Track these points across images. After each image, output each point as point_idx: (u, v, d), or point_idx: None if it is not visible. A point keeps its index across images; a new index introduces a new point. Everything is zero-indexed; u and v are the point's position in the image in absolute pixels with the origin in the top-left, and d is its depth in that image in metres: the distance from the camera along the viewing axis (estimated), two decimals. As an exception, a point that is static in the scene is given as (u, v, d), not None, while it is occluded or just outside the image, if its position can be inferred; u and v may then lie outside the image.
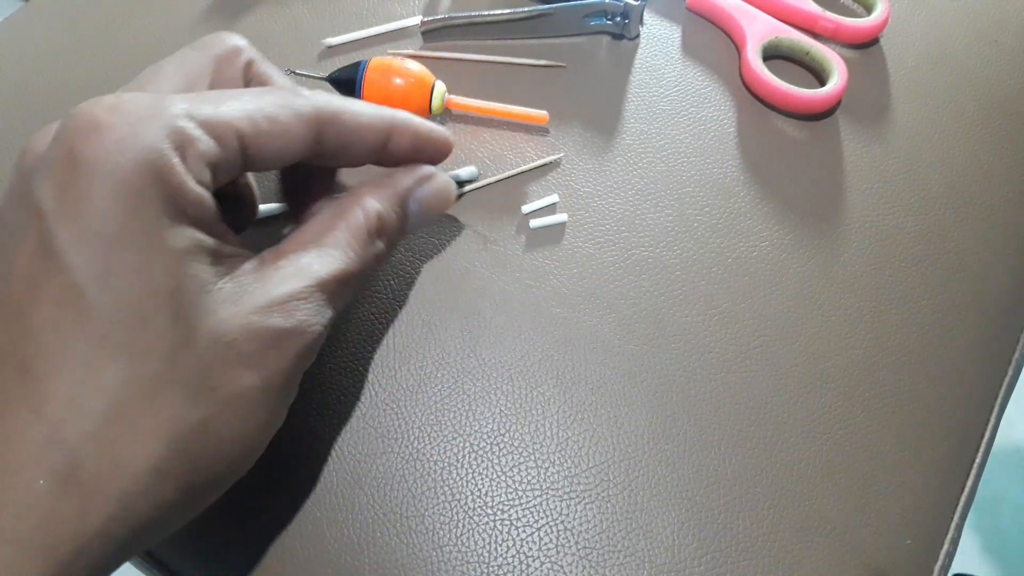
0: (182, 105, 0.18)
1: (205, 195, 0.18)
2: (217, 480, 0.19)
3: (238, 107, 0.19)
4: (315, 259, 0.20)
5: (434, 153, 0.25)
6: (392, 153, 0.24)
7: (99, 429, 0.16)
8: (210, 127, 0.18)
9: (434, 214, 0.25)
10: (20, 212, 0.17)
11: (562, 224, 0.32)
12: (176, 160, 0.17)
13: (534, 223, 0.30)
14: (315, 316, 0.20)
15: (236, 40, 0.22)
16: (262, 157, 0.20)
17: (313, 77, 0.35)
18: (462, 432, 0.27)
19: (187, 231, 0.17)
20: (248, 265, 0.19)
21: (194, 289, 0.17)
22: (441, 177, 0.25)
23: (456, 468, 0.26)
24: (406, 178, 0.24)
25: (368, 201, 0.22)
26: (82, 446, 0.16)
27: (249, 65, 0.22)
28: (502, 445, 0.27)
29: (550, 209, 0.32)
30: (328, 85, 0.34)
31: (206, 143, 0.18)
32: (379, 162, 0.24)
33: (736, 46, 0.39)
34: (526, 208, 0.32)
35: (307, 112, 0.20)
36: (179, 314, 0.17)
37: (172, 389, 0.17)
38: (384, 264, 0.23)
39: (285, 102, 0.20)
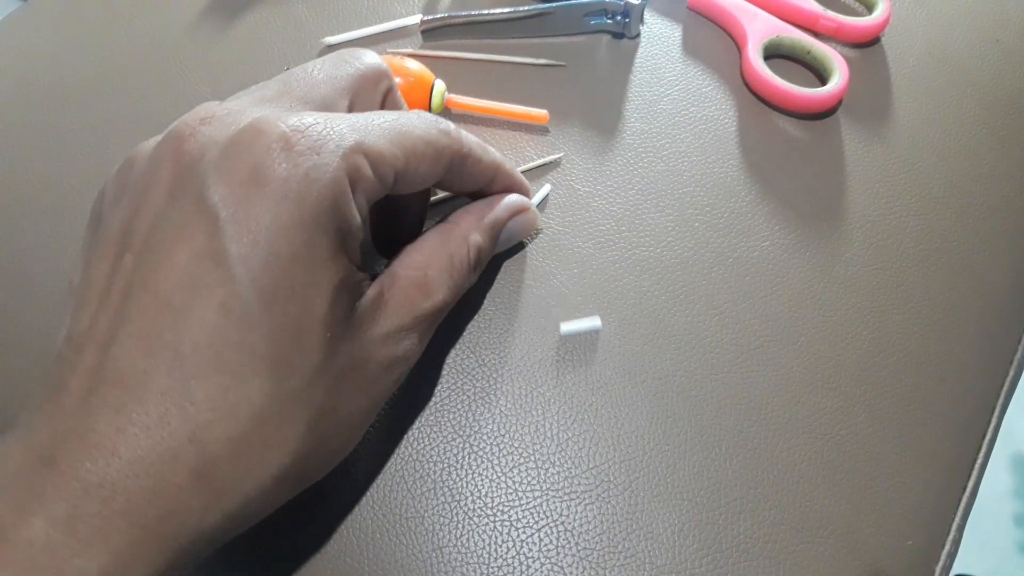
0: (355, 136, 0.18)
1: (362, 226, 0.19)
2: (303, 487, 0.20)
3: (398, 143, 0.20)
4: (423, 292, 0.21)
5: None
6: (487, 192, 0.26)
7: (239, 436, 0.17)
8: (376, 164, 0.19)
9: (516, 241, 0.27)
10: (184, 203, 0.17)
11: (596, 331, 0.29)
12: (351, 196, 0.18)
13: (565, 329, 0.28)
14: (417, 345, 0.21)
15: (382, 63, 0.23)
16: (402, 188, 0.21)
17: (313, 76, 0.35)
18: (462, 432, 0.27)
19: (344, 261, 0.18)
20: (371, 292, 0.20)
21: (340, 317, 0.18)
22: (534, 210, 0.27)
23: (456, 469, 0.26)
24: (504, 211, 0.25)
25: (473, 236, 0.24)
26: (221, 449, 0.16)
27: (388, 92, 0.23)
28: (502, 446, 0.27)
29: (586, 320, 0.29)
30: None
31: (372, 181, 0.19)
32: (471, 195, 0.26)
33: (737, 45, 0.39)
34: (526, 208, 0.32)
35: (447, 153, 0.22)
36: (325, 339, 0.18)
37: (306, 408, 0.18)
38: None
39: (433, 139, 0.21)
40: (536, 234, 0.31)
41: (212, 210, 0.17)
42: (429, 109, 0.33)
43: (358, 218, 0.19)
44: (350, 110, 0.21)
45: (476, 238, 0.24)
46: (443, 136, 0.21)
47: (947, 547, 0.27)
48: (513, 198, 0.26)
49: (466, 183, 0.24)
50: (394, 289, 0.21)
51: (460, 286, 0.23)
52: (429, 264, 0.22)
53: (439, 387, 0.28)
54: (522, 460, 0.27)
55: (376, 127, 0.19)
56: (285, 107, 0.20)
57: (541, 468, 0.26)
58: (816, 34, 0.39)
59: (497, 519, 0.25)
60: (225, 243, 0.16)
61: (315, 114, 0.19)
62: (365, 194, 0.19)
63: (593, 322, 0.27)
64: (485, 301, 0.30)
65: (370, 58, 0.23)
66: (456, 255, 0.23)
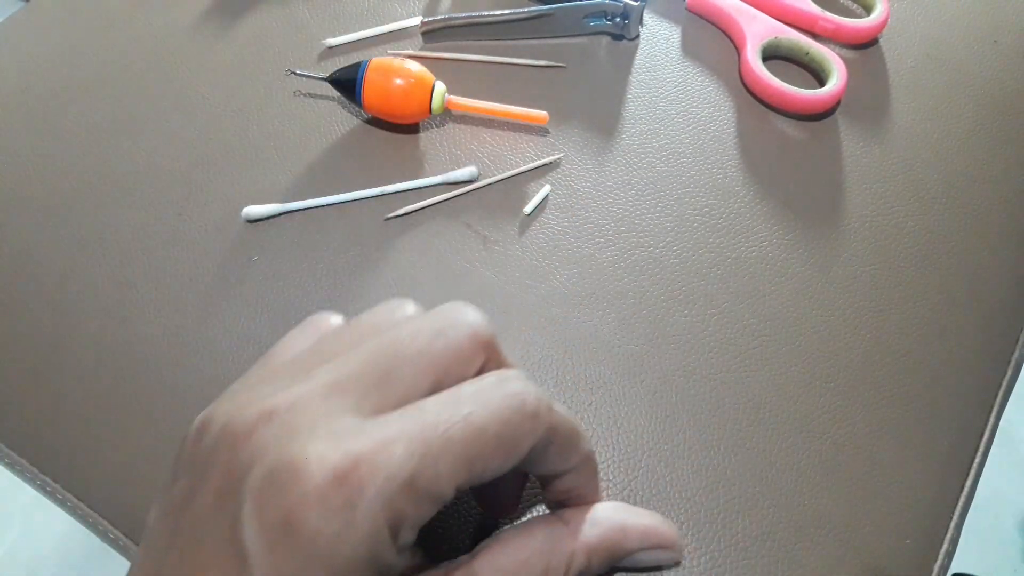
0: (409, 467, 0.16)
1: (408, 561, 0.17)
2: None
3: (463, 454, 0.17)
4: None
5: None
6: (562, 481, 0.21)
7: None
8: (430, 488, 0.16)
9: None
10: (223, 521, 0.16)
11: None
12: (391, 542, 0.16)
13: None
14: None
15: (486, 330, 0.19)
16: (469, 486, 0.18)
17: (313, 77, 0.35)
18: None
19: None
20: None
21: None
22: (679, 547, 0.22)
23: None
24: (637, 541, 0.21)
25: (579, 558, 0.19)
26: None
27: (486, 364, 0.19)
28: (502, 445, 0.27)
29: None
30: (328, 85, 0.35)
31: (419, 514, 0.17)
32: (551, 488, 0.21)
33: (736, 46, 0.39)
34: (526, 208, 0.32)
35: (526, 442, 0.18)
36: None
37: None
38: None
39: (512, 430, 0.17)
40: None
41: (242, 545, 0.16)
42: (430, 110, 0.33)
43: (400, 560, 0.17)
44: (433, 390, 0.18)
45: (581, 560, 0.19)
46: (526, 421, 0.17)
47: (945, 546, 0.27)
48: (657, 527, 0.21)
49: (545, 467, 0.20)
50: None
51: None
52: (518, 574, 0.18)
53: (439, 387, 0.28)
54: (522, 459, 0.27)
55: (442, 438, 0.16)
56: (352, 405, 0.17)
57: (541, 467, 0.26)
58: (814, 35, 0.39)
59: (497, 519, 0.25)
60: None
61: (372, 435, 0.16)
62: (415, 525, 0.17)
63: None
64: (484, 301, 0.30)
65: (472, 325, 0.19)
66: (553, 572, 0.19)
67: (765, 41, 0.38)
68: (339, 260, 0.31)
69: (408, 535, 0.17)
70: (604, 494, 0.26)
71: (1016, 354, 0.32)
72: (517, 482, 0.23)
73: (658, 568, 0.22)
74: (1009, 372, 0.32)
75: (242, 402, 0.18)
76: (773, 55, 0.39)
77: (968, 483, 0.28)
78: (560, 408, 0.19)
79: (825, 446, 0.27)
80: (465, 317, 0.19)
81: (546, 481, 0.21)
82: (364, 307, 0.30)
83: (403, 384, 0.18)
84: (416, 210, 0.32)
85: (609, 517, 0.21)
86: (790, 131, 0.36)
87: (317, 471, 0.16)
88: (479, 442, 0.17)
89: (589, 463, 0.20)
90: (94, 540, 0.28)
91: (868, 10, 0.40)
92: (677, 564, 0.22)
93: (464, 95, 0.35)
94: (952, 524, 0.27)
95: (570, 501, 0.21)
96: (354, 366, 0.18)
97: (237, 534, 0.16)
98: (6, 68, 0.38)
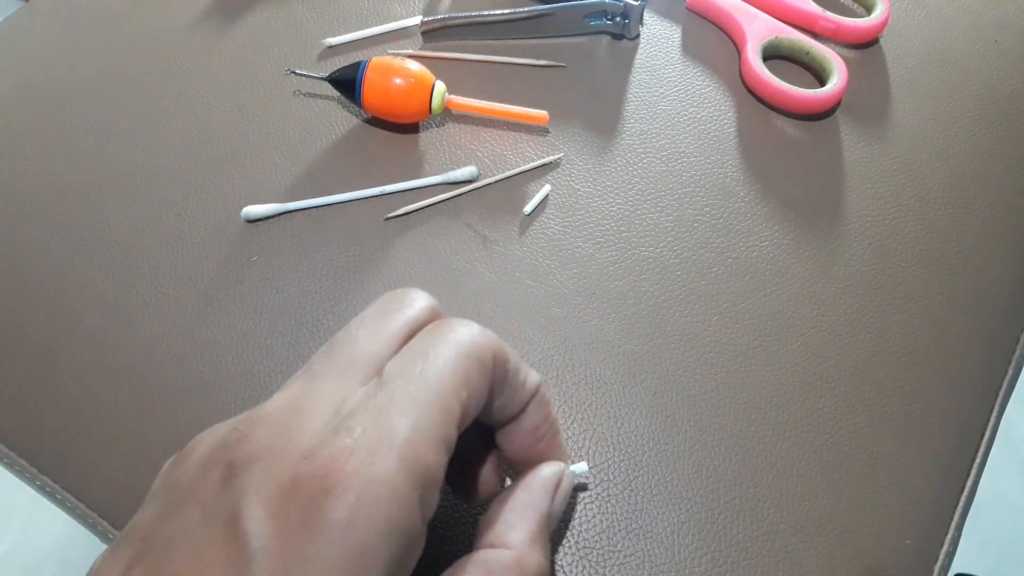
0: (408, 422, 0.16)
1: (419, 539, 0.17)
2: None
3: (446, 406, 0.17)
4: None
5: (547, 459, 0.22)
6: (521, 425, 0.21)
7: None
8: (436, 438, 0.17)
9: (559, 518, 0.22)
10: (215, 524, 0.15)
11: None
12: (415, 502, 0.16)
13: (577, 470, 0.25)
14: None
15: (427, 305, 0.20)
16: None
17: (313, 77, 0.35)
18: (462, 432, 0.27)
19: None
20: None
21: None
22: (567, 480, 0.22)
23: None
24: (543, 497, 0.21)
25: (529, 557, 0.19)
26: None
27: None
28: (502, 445, 0.27)
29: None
30: (328, 85, 0.34)
31: (434, 464, 0.17)
32: (504, 436, 0.22)
33: (736, 46, 0.39)
34: (526, 208, 0.32)
35: (490, 365, 0.19)
36: None
37: None
38: None
39: (475, 363, 0.18)
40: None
41: (247, 539, 0.15)
42: (430, 110, 0.33)
43: (418, 528, 0.16)
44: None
45: (534, 556, 0.19)
46: (482, 337, 0.19)
47: (946, 546, 0.27)
48: (543, 470, 0.21)
49: (506, 409, 0.21)
50: None
51: None
52: None
53: (439, 387, 0.28)
54: (522, 459, 0.27)
55: (427, 391, 0.17)
56: (333, 380, 0.18)
57: (541, 467, 0.26)
58: (815, 35, 0.39)
59: (497, 518, 0.25)
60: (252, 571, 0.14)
61: (361, 416, 0.16)
62: (431, 483, 0.17)
63: (581, 467, 0.24)
64: (484, 301, 0.30)
65: (416, 303, 0.20)
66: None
67: (765, 41, 0.38)
68: (339, 260, 0.31)
69: (431, 495, 0.16)
70: (604, 494, 0.26)
71: (1016, 354, 0.32)
72: (492, 460, 0.23)
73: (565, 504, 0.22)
74: (1009, 372, 0.32)
75: (242, 418, 0.18)
76: (773, 55, 0.38)
77: (968, 483, 0.28)
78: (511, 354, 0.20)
79: (825, 446, 0.27)
80: (405, 297, 0.20)
81: (506, 436, 0.21)
82: (364, 307, 0.29)
83: (370, 360, 0.18)
84: (416, 210, 0.32)
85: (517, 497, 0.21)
86: (790, 131, 0.36)
87: (328, 465, 0.15)
88: (462, 368, 0.18)
89: (542, 404, 0.21)
90: (94, 540, 0.28)
91: (869, 10, 0.40)
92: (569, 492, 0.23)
93: (464, 95, 0.35)
94: (952, 524, 0.27)
95: (532, 455, 0.22)
96: (322, 359, 0.19)
97: (236, 524, 0.15)
98: (6, 68, 0.38)
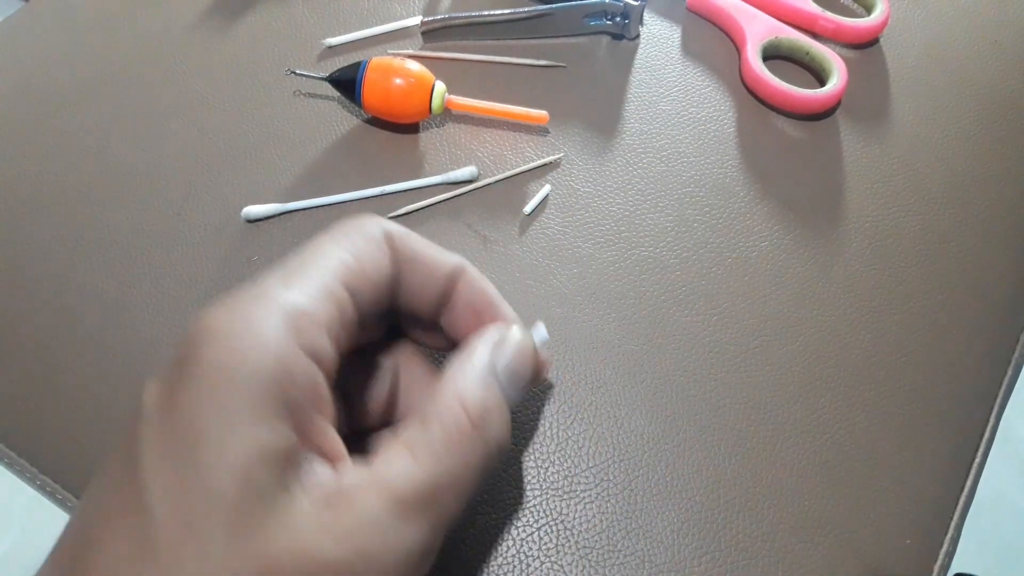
0: (280, 299, 0.17)
1: (308, 375, 0.17)
2: None
3: (321, 278, 0.18)
4: (391, 469, 0.17)
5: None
6: (455, 305, 0.21)
7: None
8: (312, 310, 0.17)
9: (527, 377, 0.21)
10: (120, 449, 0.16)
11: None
12: (281, 361, 0.16)
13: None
14: (386, 540, 0.16)
15: (379, 227, 0.20)
16: (364, 302, 0.19)
17: (313, 77, 0.35)
18: (462, 432, 0.27)
19: (267, 430, 0.15)
20: (325, 476, 0.16)
21: (252, 506, 0.15)
22: (514, 334, 0.21)
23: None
24: (482, 351, 0.20)
25: (465, 394, 0.19)
26: None
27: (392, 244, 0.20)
28: (502, 445, 0.27)
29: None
30: (328, 85, 0.34)
31: (313, 330, 0.17)
32: (446, 322, 0.22)
33: (736, 46, 0.39)
34: (527, 208, 0.32)
35: (381, 240, 0.20)
36: (231, 533, 0.15)
37: None
38: (502, 453, 0.19)
39: (359, 235, 0.19)
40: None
41: (140, 405, 0.16)
42: (430, 110, 0.33)
43: (310, 361, 0.16)
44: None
45: (467, 397, 0.18)
46: (368, 221, 0.20)
47: (945, 546, 0.27)
48: (488, 328, 0.21)
49: (426, 292, 0.21)
50: (359, 471, 0.16)
51: (453, 460, 0.17)
52: (409, 439, 0.17)
53: (439, 387, 0.28)
54: (522, 459, 0.27)
55: (303, 257, 0.18)
56: (272, 287, 0.18)
57: (541, 467, 0.26)
58: (815, 35, 0.39)
59: (497, 518, 0.25)
60: (137, 437, 0.15)
61: (247, 303, 0.17)
62: (311, 324, 0.17)
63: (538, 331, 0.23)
64: (485, 301, 0.30)
65: (370, 225, 0.20)
66: (443, 424, 0.18)
67: (765, 41, 0.38)
68: (339, 260, 0.31)
69: (313, 334, 0.17)
70: (604, 494, 0.26)
71: (1016, 354, 0.32)
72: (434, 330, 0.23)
73: (529, 371, 0.21)
74: (1009, 372, 0.32)
75: None
76: (773, 55, 0.39)
77: (968, 483, 0.28)
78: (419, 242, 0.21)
79: (825, 446, 0.27)
80: (358, 222, 0.20)
81: (448, 320, 0.22)
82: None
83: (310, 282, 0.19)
84: (416, 210, 0.32)
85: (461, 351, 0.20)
86: (790, 131, 0.36)
87: (207, 318, 0.16)
88: (343, 238, 0.19)
89: (472, 281, 0.21)
90: (94, 540, 0.28)
91: (869, 10, 0.40)
92: (532, 355, 0.21)
93: (464, 95, 0.35)
94: (952, 524, 0.27)
95: (470, 319, 0.22)
96: (292, 267, 0.19)
97: (140, 401, 0.16)
98: (6, 68, 0.38)
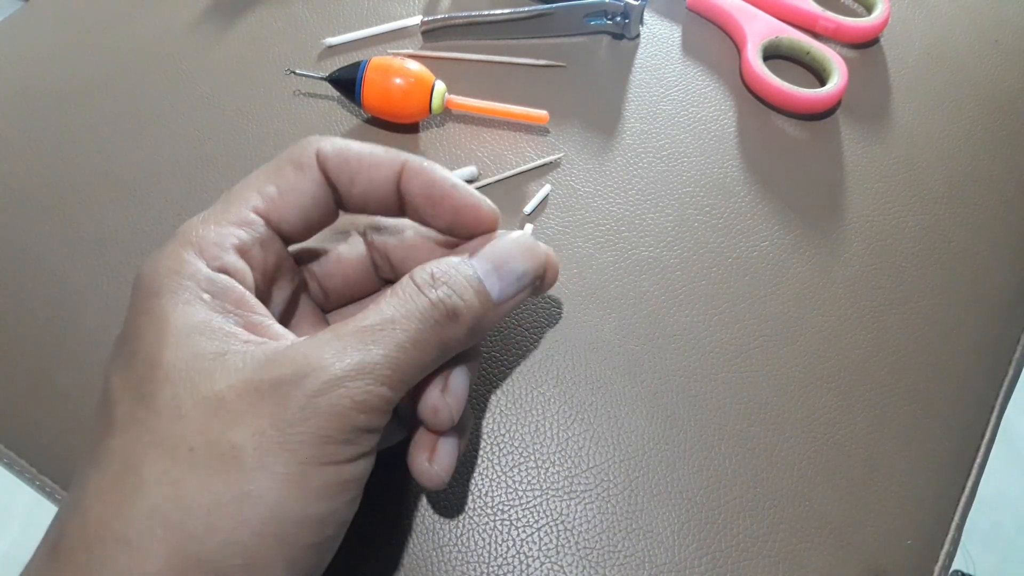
0: (187, 233, 0.20)
1: (220, 281, 0.19)
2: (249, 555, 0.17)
3: (229, 213, 0.20)
4: (342, 322, 0.19)
5: (465, 220, 0.22)
6: (408, 200, 0.22)
7: (103, 498, 0.17)
8: (214, 235, 0.20)
9: (517, 272, 0.22)
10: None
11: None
12: (183, 273, 0.19)
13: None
14: (326, 360, 0.18)
15: (310, 148, 0.22)
16: (287, 221, 0.21)
17: (313, 77, 0.35)
18: (462, 432, 0.27)
19: (195, 314, 0.18)
20: (255, 339, 0.19)
21: (193, 363, 0.17)
22: (511, 235, 0.22)
23: (456, 468, 0.26)
24: (470, 244, 0.22)
25: (419, 267, 0.20)
26: (88, 517, 0.17)
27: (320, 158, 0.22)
28: (502, 445, 0.27)
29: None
30: (328, 85, 0.34)
31: (217, 250, 0.20)
32: (412, 215, 0.23)
33: (736, 46, 0.39)
34: (527, 208, 0.32)
35: (310, 162, 0.21)
36: (176, 388, 0.17)
37: (158, 454, 0.17)
38: (456, 320, 0.20)
39: (289, 164, 0.21)
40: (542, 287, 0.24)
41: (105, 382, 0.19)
42: (430, 110, 0.33)
43: (205, 275, 0.19)
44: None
45: (424, 266, 0.20)
46: (302, 152, 0.21)
47: (946, 547, 0.27)
48: (489, 235, 0.23)
49: (371, 185, 0.22)
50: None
51: (407, 307, 0.19)
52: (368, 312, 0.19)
53: (439, 387, 0.28)
54: (522, 459, 0.27)
55: (225, 195, 0.21)
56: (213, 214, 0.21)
57: (541, 467, 0.26)
58: (815, 35, 0.39)
59: (497, 518, 0.25)
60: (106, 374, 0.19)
61: (178, 236, 0.20)
62: (211, 246, 0.19)
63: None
64: (485, 301, 0.30)
65: (303, 146, 0.22)
66: (399, 284, 0.20)
67: (766, 40, 0.38)
68: (339, 260, 0.31)
69: (217, 253, 0.19)
70: (604, 494, 0.26)
71: (1017, 354, 0.32)
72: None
73: (518, 261, 0.22)
74: (1010, 372, 0.32)
75: None
76: (774, 54, 0.38)
77: (969, 483, 0.28)
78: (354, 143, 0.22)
79: (826, 446, 0.27)
80: (301, 144, 0.22)
81: (414, 212, 0.23)
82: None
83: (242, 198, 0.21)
84: (416, 210, 0.32)
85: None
86: (791, 131, 0.36)
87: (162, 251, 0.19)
88: (264, 172, 0.21)
89: (419, 170, 0.22)
90: (94, 540, 0.28)
91: (869, 9, 0.40)
92: (528, 254, 0.22)
93: (464, 95, 0.35)
94: (952, 524, 0.27)
95: (448, 216, 0.22)
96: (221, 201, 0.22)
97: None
98: (6, 68, 0.38)
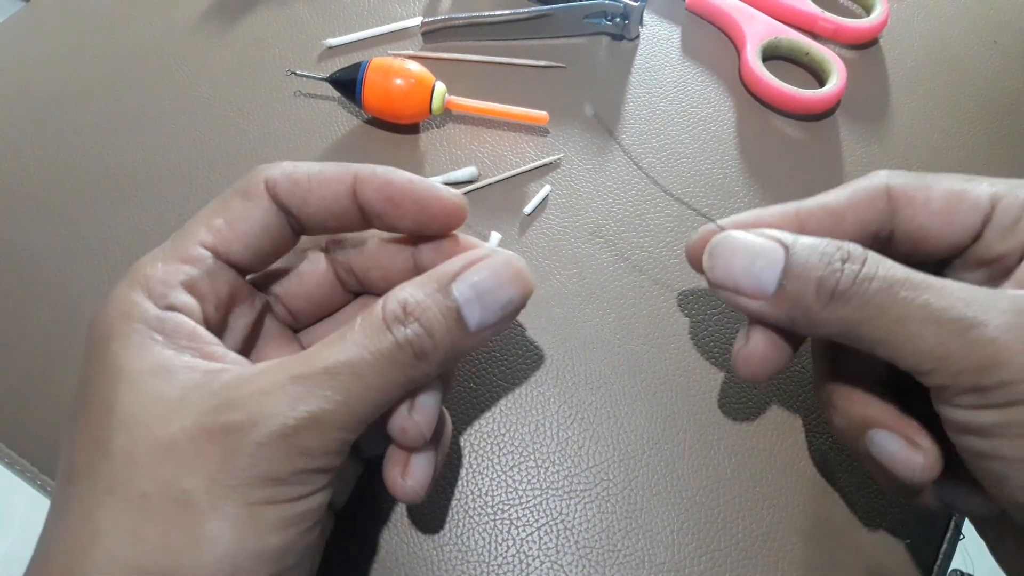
0: (138, 272, 0.20)
1: (170, 319, 0.19)
2: None
3: (177, 249, 0.21)
4: (303, 355, 0.19)
5: (432, 212, 0.22)
6: (369, 209, 0.22)
7: (64, 548, 0.18)
8: (161, 273, 0.20)
9: (501, 300, 0.20)
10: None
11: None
12: (130, 315, 0.19)
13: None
14: (279, 408, 0.17)
15: (259, 178, 0.22)
16: (237, 251, 0.21)
17: (314, 78, 0.35)
18: (462, 432, 0.27)
19: (147, 356, 0.18)
20: (227, 374, 0.18)
21: (146, 406, 0.18)
22: (499, 256, 0.20)
23: (456, 468, 0.26)
24: (453, 264, 0.20)
25: (392, 293, 0.19)
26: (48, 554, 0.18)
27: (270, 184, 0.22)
28: (502, 445, 0.27)
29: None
30: (328, 85, 0.34)
31: (164, 287, 0.20)
32: (378, 223, 0.22)
33: (736, 47, 0.39)
34: (527, 208, 0.32)
35: (258, 190, 0.21)
36: (131, 433, 0.18)
37: (112, 500, 0.17)
38: (424, 359, 0.19)
39: (237, 195, 0.21)
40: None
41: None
42: (430, 110, 0.33)
43: (154, 314, 0.19)
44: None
45: (396, 293, 0.19)
46: (253, 177, 0.21)
47: (945, 546, 0.27)
48: (473, 251, 0.21)
49: (323, 202, 0.22)
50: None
51: (374, 344, 0.18)
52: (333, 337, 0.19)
53: (439, 387, 0.28)
54: (522, 459, 0.27)
55: (176, 232, 0.21)
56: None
57: (541, 467, 0.26)
58: (814, 35, 0.39)
59: (497, 518, 0.25)
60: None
61: (133, 274, 0.20)
62: (158, 282, 0.20)
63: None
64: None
65: (254, 175, 0.22)
66: (366, 314, 0.19)
67: (765, 41, 0.38)
68: (339, 260, 0.31)
69: (163, 290, 0.20)
70: (604, 494, 0.26)
71: (1016, 354, 0.32)
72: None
73: (503, 290, 0.20)
74: (1009, 372, 0.32)
75: None
76: (773, 55, 0.39)
77: (968, 483, 0.28)
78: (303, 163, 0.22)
79: (825, 445, 0.27)
80: (254, 172, 0.22)
81: (380, 220, 0.22)
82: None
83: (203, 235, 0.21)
84: (416, 210, 0.32)
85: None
86: (790, 131, 0.36)
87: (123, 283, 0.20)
88: (212, 208, 0.21)
89: (372, 176, 0.22)
90: (94, 540, 0.28)
91: (868, 10, 0.40)
92: (513, 277, 0.21)
93: (464, 95, 0.35)
94: (952, 524, 0.27)
95: (412, 216, 0.22)
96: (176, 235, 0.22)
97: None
98: (6, 68, 0.38)
